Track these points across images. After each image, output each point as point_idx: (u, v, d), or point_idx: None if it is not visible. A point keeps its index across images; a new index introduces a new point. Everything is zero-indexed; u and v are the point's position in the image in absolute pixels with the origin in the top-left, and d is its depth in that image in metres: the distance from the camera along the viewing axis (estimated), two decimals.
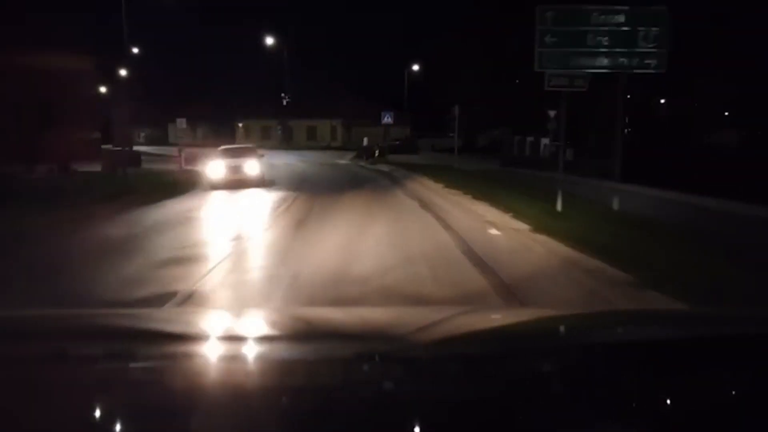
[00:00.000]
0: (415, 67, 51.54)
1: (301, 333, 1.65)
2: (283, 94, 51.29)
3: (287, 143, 54.30)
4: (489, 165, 26.81)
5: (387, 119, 30.79)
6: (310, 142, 56.45)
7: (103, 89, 49.07)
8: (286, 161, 31.67)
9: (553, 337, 1.56)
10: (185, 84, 68.80)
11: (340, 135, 57.36)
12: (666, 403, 1.03)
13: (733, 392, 1.09)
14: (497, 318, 1.96)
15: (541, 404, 0.99)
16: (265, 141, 62.68)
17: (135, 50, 52.26)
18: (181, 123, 32.06)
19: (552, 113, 26.33)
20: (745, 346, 1.31)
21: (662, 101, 36.45)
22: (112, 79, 29.97)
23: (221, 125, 66.70)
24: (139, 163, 25.11)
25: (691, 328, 1.57)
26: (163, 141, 75.84)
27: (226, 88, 61.36)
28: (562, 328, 1.70)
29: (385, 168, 27.21)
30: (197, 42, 74.04)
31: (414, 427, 0.90)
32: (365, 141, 34.91)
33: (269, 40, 46.28)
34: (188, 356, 1.27)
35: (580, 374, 1.17)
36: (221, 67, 63.11)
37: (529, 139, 31.31)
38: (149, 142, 77.54)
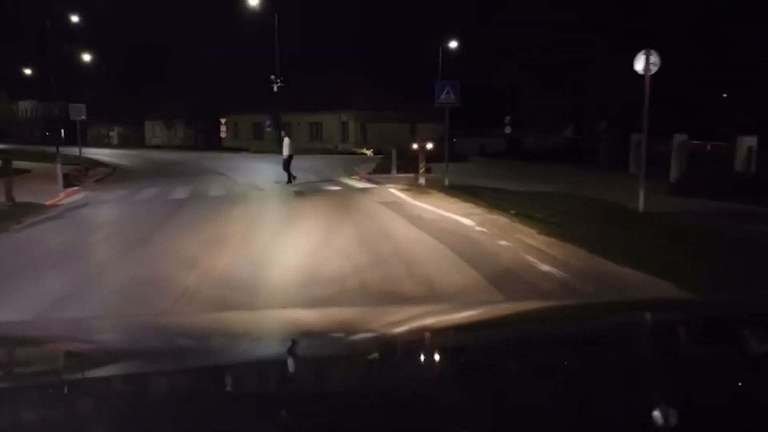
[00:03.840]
0: (453, 44, 38.70)
1: (285, 334, 1.60)
2: (273, 76, 37.53)
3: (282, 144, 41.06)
4: (633, 191, 13.58)
5: (448, 95, 15.64)
6: (314, 142, 42.94)
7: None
8: (250, 179, 19.39)
9: (544, 329, 1.53)
10: (164, 73, 57.09)
11: (353, 133, 43.59)
12: (664, 392, 0.99)
13: (733, 378, 1.04)
14: (483, 312, 1.90)
15: (536, 398, 0.97)
16: (257, 141, 49.71)
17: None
18: (78, 111, 19.28)
19: None
20: (746, 333, 1.31)
21: None
22: None
23: (204, 122, 54.30)
24: None
25: (685, 316, 1.59)
26: (139, 142, 64.25)
27: (209, 76, 48.76)
28: (550, 320, 1.66)
29: (467, 220, 10.50)
30: (174, 23, 62.20)
31: (406, 424, 0.88)
32: (286, 145, 19.20)
33: (254, 1, 33.45)
34: (177, 361, 1.25)
35: (573, 367, 1.15)
36: (204, 50, 50.70)
37: (680, 138, 18.19)
38: (122, 143, 66.04)
